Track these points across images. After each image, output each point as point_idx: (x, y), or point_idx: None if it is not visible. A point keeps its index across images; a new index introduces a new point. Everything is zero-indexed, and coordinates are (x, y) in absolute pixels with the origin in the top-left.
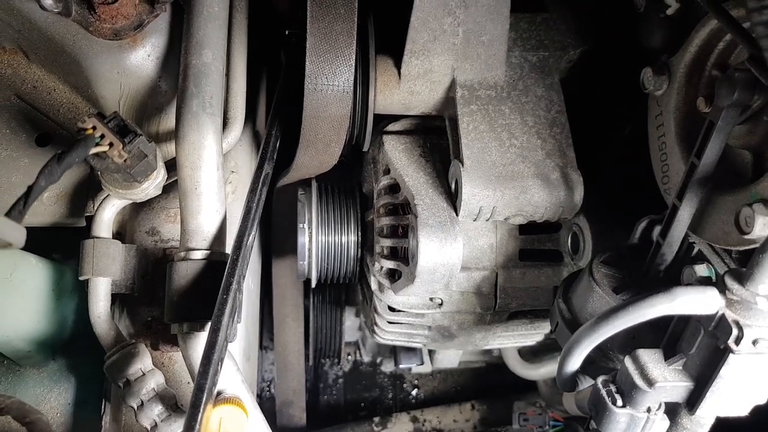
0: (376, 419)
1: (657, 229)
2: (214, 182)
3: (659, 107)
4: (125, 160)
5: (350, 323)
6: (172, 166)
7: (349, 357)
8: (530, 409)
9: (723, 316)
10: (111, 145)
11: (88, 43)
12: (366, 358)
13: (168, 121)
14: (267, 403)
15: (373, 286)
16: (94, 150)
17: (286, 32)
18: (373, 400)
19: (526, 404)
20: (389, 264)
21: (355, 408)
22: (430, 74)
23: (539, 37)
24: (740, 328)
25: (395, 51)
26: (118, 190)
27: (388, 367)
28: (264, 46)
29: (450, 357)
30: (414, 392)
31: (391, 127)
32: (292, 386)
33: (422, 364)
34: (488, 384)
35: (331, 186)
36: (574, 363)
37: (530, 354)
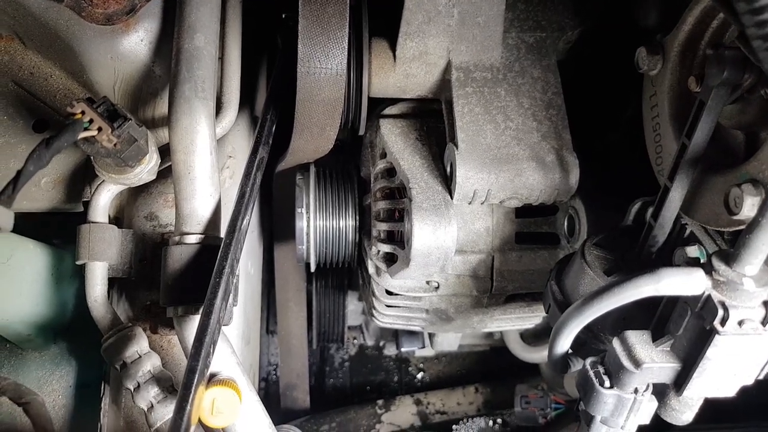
0: (380, 402)
1: (650, 211)
2: (207, 166)
3: (653, 87)
4: (115, 145)
5: (353, 307)
6: (168, 150)
7: (355, 341)
8: (532, 392)
9: (709, 297)
10: (100, 129)
11: (81, 28)
12: (369, 342)
13: (163, 106)
14: (274, 387)
15: (371, 269)
16: (82, 135)
17: (283, 15)
18: (379, 383)
19: (528, 387)
20: (385, 248)
21: (361, 391)
22: (425, 56)
23: (536, 18)
24: (726, 309)
25: (390, 33)
26: (111, 174)
27: (391, 350)
28: (263, 29)
29: (449, 340)
30: (419, 375)
31: (388, 111)
32: (295, 370)
33: (423, 347)
34: (493, 367)
35: (329, 170)
36: (563, 344)
37: (532, 337)
